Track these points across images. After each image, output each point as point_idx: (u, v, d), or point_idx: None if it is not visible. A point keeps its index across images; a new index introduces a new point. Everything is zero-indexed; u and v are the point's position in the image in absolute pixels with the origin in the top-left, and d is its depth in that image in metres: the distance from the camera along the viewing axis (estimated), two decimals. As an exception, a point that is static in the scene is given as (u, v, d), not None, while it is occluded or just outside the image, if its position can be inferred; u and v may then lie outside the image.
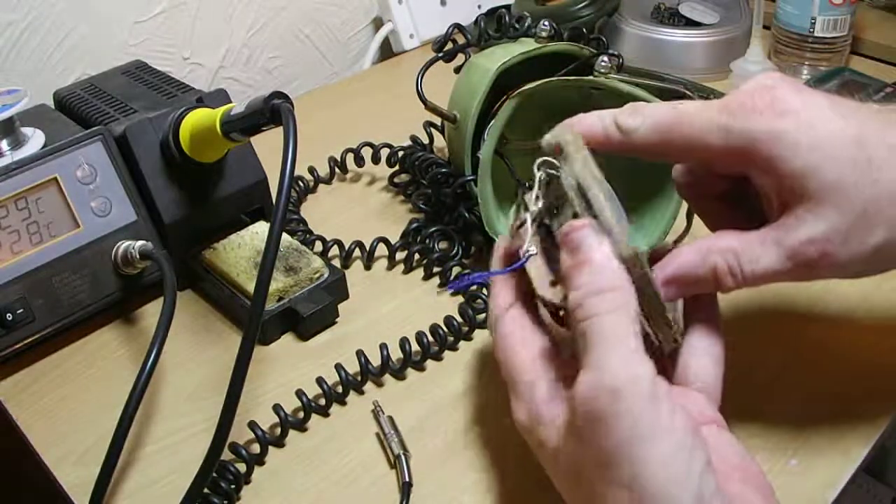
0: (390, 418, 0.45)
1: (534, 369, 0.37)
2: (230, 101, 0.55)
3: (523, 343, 0.38)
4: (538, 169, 0.38)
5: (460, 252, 0.57)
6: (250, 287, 0.52)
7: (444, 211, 0.60)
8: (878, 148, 0.35)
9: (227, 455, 0.42)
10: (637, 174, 0.58)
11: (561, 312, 0.37)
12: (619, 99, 0.53)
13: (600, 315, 0.32)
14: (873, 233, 0.34)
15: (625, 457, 0.30)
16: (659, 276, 0.38)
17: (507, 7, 0.63)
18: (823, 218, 0.34)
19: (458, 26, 0.60)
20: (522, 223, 0.39)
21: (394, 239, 0.58)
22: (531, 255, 0.38)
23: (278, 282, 0.52)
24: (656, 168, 0.55)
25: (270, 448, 0.45)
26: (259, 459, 0.44)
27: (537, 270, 0.37)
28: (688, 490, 0.29)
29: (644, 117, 0.39)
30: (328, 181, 0.69)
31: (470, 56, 0.61)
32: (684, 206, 0.54)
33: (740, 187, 0.40)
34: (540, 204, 0.38)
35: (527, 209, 0.38)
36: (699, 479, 0.30)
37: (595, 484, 0.31)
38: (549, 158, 0.38)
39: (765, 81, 0.36)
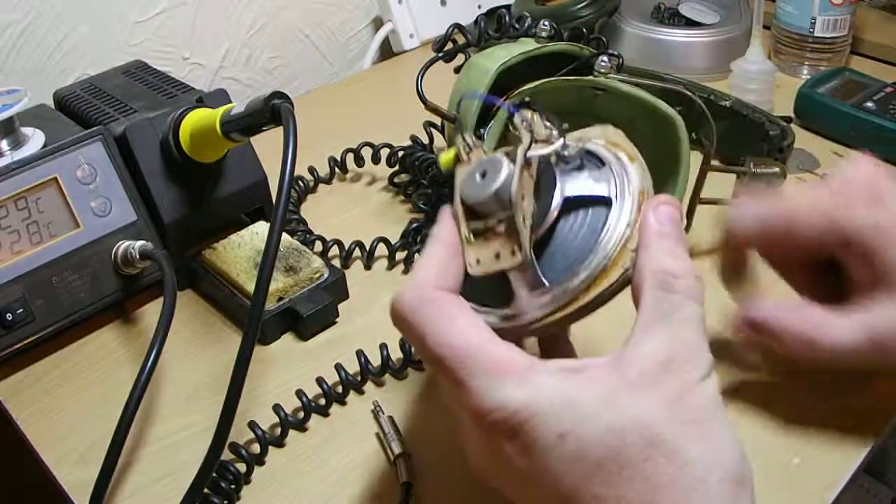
0: (390, 418, 0.45)
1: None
2: (230, 101, 0.55)
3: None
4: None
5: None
6: (250, 287, 0.52)
7: (444, 211, 0.60)
8: None
9: (227, 455, 0.42)
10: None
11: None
12: (623, 101, 0.53)
13: None
14: None
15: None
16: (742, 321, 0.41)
17: (507, 7, 0.63)
18: None
19: (458, 26, 0.60)
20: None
21: (394, 239, 0.58)
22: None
23: (278, 282, 0.52)
24: (657, 168, 0.55)
25: (270, 448, 0.45)
26: (259, 459, 0.44)
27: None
28: None
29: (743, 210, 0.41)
30: (328, 181, 0.69)
31: (470, 56, 0.61)
32: (684, 206, 0.54)
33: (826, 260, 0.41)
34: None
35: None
36: None
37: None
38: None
39: (865, 170, 0.39)
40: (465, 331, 0.32)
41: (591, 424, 0.29)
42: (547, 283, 0.34)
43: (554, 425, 0.29)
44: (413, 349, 0.48)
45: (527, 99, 0.39)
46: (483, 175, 0.34)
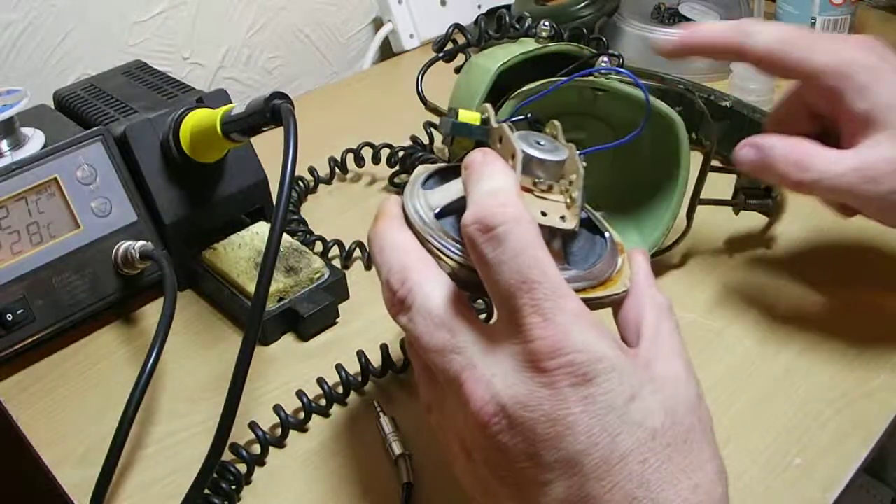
0: (391, 419, 0.45)
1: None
2: (230, 101, 0.55)
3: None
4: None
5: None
6: (250, 287, 0.52)
7: (445, 211, 0.60)
8: None
9: (227, 455, 0.42)
10: (638, 174, 0.58)
11: None
12: (623, 101, 0.53)
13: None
14: None
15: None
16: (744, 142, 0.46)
17: (507, 7, 0.63)
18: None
19: (458, 26, 0.60)
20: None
21: (394, 239, 0.58)
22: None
23: (279, 282, 0.52)
24: (657, 168, 0.55)
25: (271, 448, 0.45)
26: (259, 460, 0.44)
27: None
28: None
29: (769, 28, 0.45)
30: (328, 181, 0.69)
31: (470, 56, 0.61)
32: (684, 206, 0.54)
33: (822, 133, 0.45)
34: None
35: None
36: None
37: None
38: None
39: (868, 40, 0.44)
40: (555, 268, 0.31)
41: (655, 396, 0.31)
42: (568, 265, 0.36)
43: (627, 387, 0.30)
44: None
45: (528, 115, 0.40)
46: (538, 143, 0.36)
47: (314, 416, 0.47)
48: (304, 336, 0.52)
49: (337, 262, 0.59)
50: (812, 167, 0.43)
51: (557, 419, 0.29)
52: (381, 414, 0.46)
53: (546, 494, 0.30)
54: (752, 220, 0.59)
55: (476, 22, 0.62)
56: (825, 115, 0.46)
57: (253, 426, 0.44)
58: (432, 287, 0.33)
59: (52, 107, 0.62)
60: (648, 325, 0.34)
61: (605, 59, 0.53)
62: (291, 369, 0.50)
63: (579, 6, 0.80)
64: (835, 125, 0.45)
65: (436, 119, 0.64)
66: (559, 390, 0.29)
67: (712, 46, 0.47)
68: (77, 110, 0.59)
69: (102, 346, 0.53)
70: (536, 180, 0.35)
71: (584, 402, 0.29)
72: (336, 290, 0.54)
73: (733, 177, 0.57)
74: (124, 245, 0.52)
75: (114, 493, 0.43)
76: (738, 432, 0.44)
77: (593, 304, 0.34)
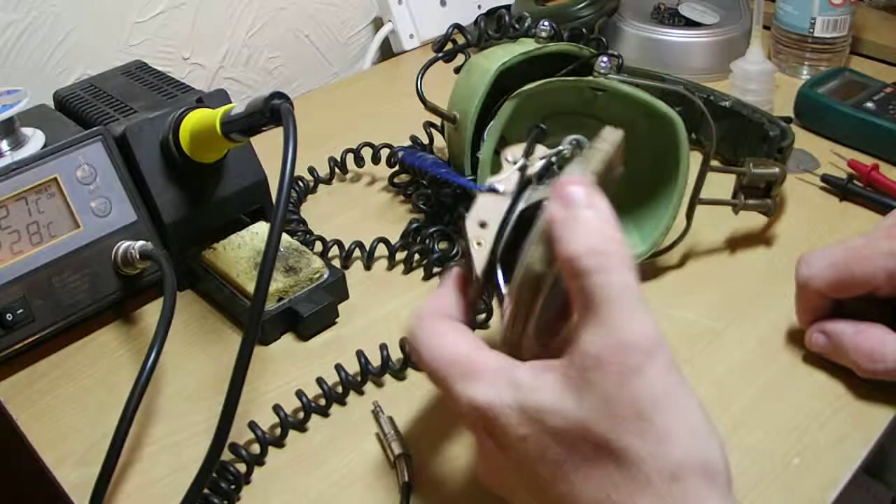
0: (390, 418, 0.45)
1: (478, 357, 0.34)
2: (230, 102, 0.55)
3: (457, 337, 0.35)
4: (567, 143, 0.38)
5: (460, 252, 0.57)
6: (250, 287, 0.52)
7: (444, 211, 0.60)
8: None
9: (227, 455, 0.42)
10: (638, 174, 0.58)
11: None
12: (622, 101, 0.53)
13: (610, 272, 0.30)
14: None
15: (658, 409, 0.29)
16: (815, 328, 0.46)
17: (507, 7, 0.63)
18: None
19: (458, 26, 0.60)
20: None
21: (394, 239, 0.58)
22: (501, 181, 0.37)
23: (278, 282, 0.52)
24: (657, 168, 0.55)
25: (270, 448, 0.45)
26: (259, 460, 0.44)
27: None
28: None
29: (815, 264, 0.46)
30: (328, 181, 0.69)
31: (470, 56, 0.61)
32: (684, 206, 0.54)
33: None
34: (539, 165, 0.37)
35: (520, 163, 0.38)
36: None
37: (608, 438, 0.29)
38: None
39: None
40: (454, 344, 0.34)
41: (544, 428, 0.30)
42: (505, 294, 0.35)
43: (515, 427, 0.31)
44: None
45: (542, 125, 0.40)
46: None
47: (313, 415, 0.47)
48: (304, 336, 0.52)
49: (336, 262, 0.59)
50: (885, 357, 0.43)
51: (501, 470, 0.34)
52: (380, 414, 0.46)
53: None
54: (752, 220, 0.59)
55: (476, 22, 0.62)
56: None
57: (252, 426, 0.44)
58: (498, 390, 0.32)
59: (52, 107, 0.62)
60: (575, 305, 0.32)
61: (605, 59, 0.53)
62: (291, 369, 0.50)
63: (579, 6, 0.80)
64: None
65: (436, 119, 0.64)
66: (485, 444, 0.35)
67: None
68: (77, 110, 0.59)
69: (102, 346, 0.53)
70: None
71: (500, 448, 0.33)
72: (336, 289, 0.54)
73: (733, 177, 0.57)
74: (124, 245, 0.52)
75: (113, 492, 0.43)
76: (738, 432, 0.44)
77: (517, 319, 0.35)
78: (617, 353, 0.29)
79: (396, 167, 0.67)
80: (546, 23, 0.56)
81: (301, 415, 0.46)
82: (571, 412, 0.30)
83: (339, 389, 0.47)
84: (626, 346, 0.29)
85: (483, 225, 0.36)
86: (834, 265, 0.44)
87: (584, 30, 0.58)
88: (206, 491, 0.41)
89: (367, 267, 0.59)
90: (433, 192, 0.61)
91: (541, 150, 0.38)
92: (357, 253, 0.59)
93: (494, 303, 0.52)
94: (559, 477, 0.30)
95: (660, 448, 0.29)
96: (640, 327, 0.30)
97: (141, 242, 0.52)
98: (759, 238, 0.59)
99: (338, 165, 0.69)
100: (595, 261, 0.30)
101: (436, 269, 0.57)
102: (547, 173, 0.38)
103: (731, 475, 0.30)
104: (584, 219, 0.31)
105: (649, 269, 0.56)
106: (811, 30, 0.77)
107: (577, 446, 0.30)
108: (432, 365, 0.34)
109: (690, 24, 0.84)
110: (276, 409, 0.45)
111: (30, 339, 0.50)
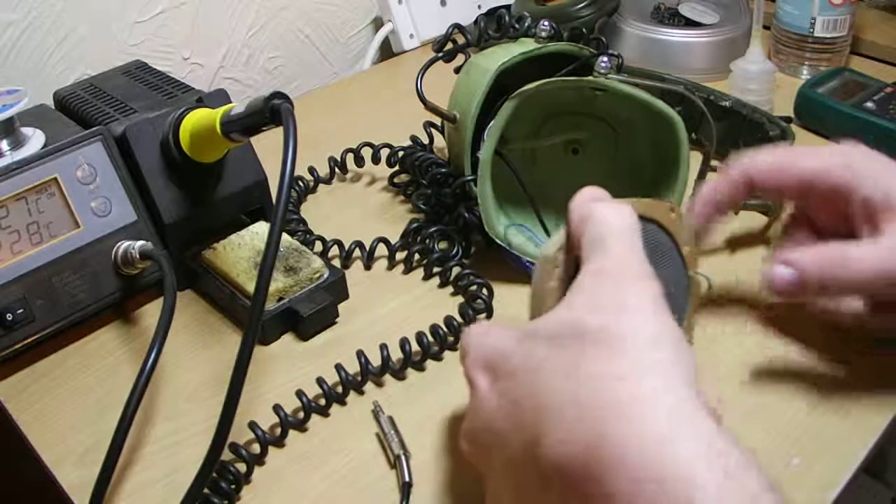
0: (390, 418, 0.45)
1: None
2: (230, 101, 0.55)
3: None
4: None
5: (460, 252, 0.57)
6: (250, 287, 0.52)
7: (444, 211, 0.60)
8: None
9: (227, 455, 0.42)
10: (638, 174, 0.58)
11: None
12: (622, 100, 0.53)
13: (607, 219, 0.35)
14: None
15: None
16: (777, 261, 0.43)
17: (507, 7, 0.63)
18: None
19: (458, 26, 0.60)
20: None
21: (394, 239, 0.58)
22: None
23: (278, 282, 0.52)
24: (657, 168, 0.55)
25: (270, 448, 0.45)
26: (259, 459, 0.44)
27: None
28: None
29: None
30: (328, 181, 0.69)
31: (470, 56, 0.61)
32: (683, 206, 0.54)
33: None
34: None
35: None
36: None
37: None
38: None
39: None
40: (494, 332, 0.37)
41: (536, 336, 0.33)
42: None
43: (513, 349, 0.34)
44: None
45: None
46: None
47: (313, 415, 0.47)
48: (304, 336, 0.52)
49: (336, 262, 0.59)
50: (848, 264, 0.41)
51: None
52: (380, 414, 0.46)
53: None
54: (752, 220, 0.59)
55: (476, 22, 0.62)
56: (827, 226, 0.46)
57: (252, 426, 0.44)
58: None
59: (52, 107, 0.62)
60: None
61: (605, 58, 0.53)
62: (291, 369, 0.50)
63: (579, 6, 0.80)
64: (841, 229, 0.45)
65: (436, 119, 0.63)
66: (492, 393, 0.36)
67: (723, 202, 0.48)
68: (77, 110, 0.59)
69: (102, 346, 0.53)
70: None
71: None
72: (336, 289, 0.54)
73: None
74: (124, 245, 0.52)
75: (113, 492, 0.43)
76: (737, 432, 0.44)
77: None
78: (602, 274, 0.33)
79: (396, 167, 0.67)
80: (546, 23, 0.56)
81: (301, 415, 0.46)
82: (561, 315, 0.33)
83: (339, 389, 0.47)
84: (625, 270, 0.34)
85: None
86: (776, 153, 0.46)
87: (584, 30, 0.58)
88: (206, 491, 0.41)
89: (367, 267, 0.59)
90: (433, 192, 0.61)
91: None
92: (357, 253, 0.59)
93: (495, 302, 0.52)
94: (540, 376, 0.32)
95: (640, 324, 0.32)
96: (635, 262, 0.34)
97: (141, 242, 0.52)
98: (759, 238, 0.59)
99: (338, 165, 0.69)
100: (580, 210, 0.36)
101: (436, 269, 0.57)
102: None
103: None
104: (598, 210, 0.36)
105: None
106: (811, 30, 0.77)
107: (562, 339, 0.32)
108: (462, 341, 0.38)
109: (690, 24, 0.84)
110: (276, 409, 0.45)
111: (30, 339, 0.50)
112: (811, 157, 0.45)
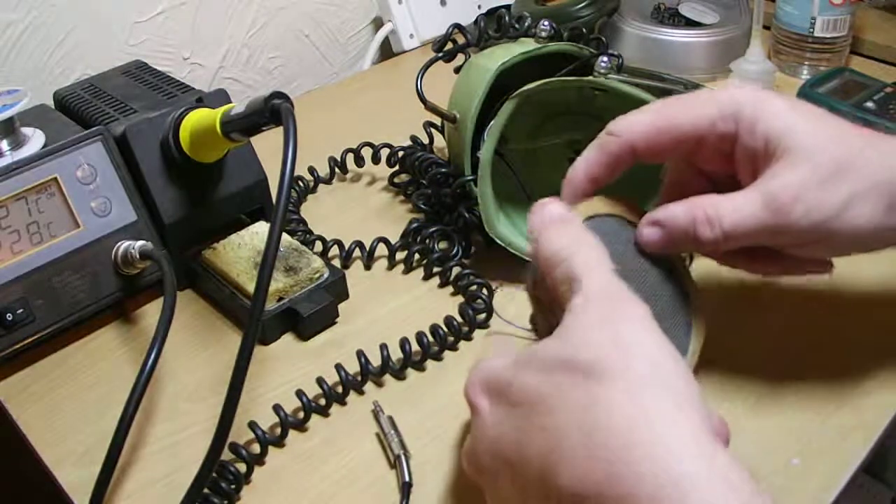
0: (390, 418, 0.45)
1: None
2: (230, 101, 0.55)
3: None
4: None
5: (460, 252, 0.57)
6: (250, 287, 0.52)
7: (444, 211, 0.60)
8: (848, 127, 0.40)
9: (227, 455, 0.42)
10: (638, 174, 0.58)
11: None
12: (622, 100, 0.53)
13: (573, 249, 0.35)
14: (839, 189, 0.38)
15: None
16: (644, 222, 0.41)
17: (507, 7, 0.63)
18: (799, 168, 0.38)
19: (458, 26, 0.60)
20: None
21: (394, 239, 0.58)
22: None
23: (278, 282, 0.52)
24: (657, 168, 0.55)
25: (270, 448, 0.45)
26: (259, 459, 0.44)
27: None
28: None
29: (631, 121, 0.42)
30: (328, 181, 0.69)
31: (470, 56, 0.61)
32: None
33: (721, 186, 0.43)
34: None
35: None
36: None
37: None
38: None
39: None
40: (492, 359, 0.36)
41: (531, 366, 0.33)
42: None
43: (509, 376, 0.34)
44: None
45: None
46: None
47: (313, 415, 0.47)
48: (304, 336, 0.52)
49: (336, 262, 0.59)
50: (721, 218, 0.39)
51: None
52: (380, 414, 0.46)
53: None
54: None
55: (476, 22, 0.62)
56: (716, 174, 0.43)
57: (252, 426, 0.44)
58: None
59: (52, 107, 0.62)
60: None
61: (605, 59, 0.53)
62: (291, 369, 0.50)
63: (579, 6, 0.80)
64: (730, 180, 0.42)
65: (436, 119, 0.64)
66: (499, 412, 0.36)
67: (600, 179, 0.43)
68: (77, 110, 0.59)
69: (102, 346, 0.53)
70: None
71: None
72: (336, 289, 0.54)
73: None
74: (124, 245, 0.52)
75: (113, 492, 0.43)
76: (737, 432, 0.44)
77: None
78: (595, 304, 0.33)
79: (396, 167, 0.67)
80: (546, 23, 0.56)
81: (301, 415, 0.46)
82: (553, 349, 0.32)
83: (339, 389, 0.47)
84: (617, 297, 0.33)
85: None
86: (653, 111, 0.41)
87: (584, 30, 0.58)
88: (206, 491, 0.41)
89: (367, 267, 0.59)
90: (433, 192, 0.61)
91: None
92: (357, 253, 0.59)
93: (495, 303, 0.52)
94: (540, 409, 0.32)
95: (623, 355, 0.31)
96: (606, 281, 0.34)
97: (141, 242, 0.52)
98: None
99: (338, 165, 0.69)
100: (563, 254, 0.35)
101: (436, 269, 0.57)
102: None
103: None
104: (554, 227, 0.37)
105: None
106: (811, 30, 0.77)
107: (557, 376, 0.31)
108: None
109: (690, 23, 0.84)
110: (276, 408, 0.45)
111: (30, 339, 0.50)
112: (691, 112, 0.40)
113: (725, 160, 0.41)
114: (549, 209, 0.38)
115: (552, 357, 0.32)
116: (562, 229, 0.37)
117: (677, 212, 0.40)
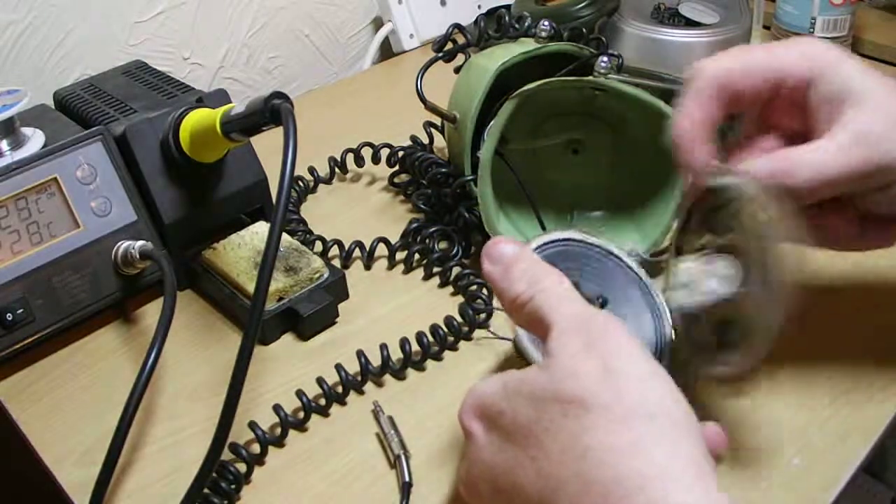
0: (390, 418, 0.45)
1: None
2: (230, 101, 0.55)
3: None
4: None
5: (460, 252, 0.57)
6: (250, 287, 0.52)
7: (444, 211, 0.60)
8: None
9: (227, 455, 0.42)
10: (638, 174, 0.58)
11: None
12: (622, 100, 0.53)
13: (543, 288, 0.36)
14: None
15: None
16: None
17: (507, 7, 0.63)
18: (878, 112, 0.39)
19: (458, 26, 0.60)
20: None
21: (394, 239, 0.58)
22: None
23: (278, 282, 0.52)
24: (657, 168, 0.55)
25: (270, 448, 0.45)
26: (259, 459, 0.44)
27: None
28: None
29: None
30: (328, 181, 0.69)
31: (470, 56, 0.61)
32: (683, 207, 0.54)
33: None
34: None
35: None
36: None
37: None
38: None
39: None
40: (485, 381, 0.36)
41: (520, 393, 0.33)
42: None
43: (500, 400, 0.34)
44: None
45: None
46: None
47: (313, 415, 0.47)
48: (304, 336, 0.52)
49: (337, 262, 0.59)
50: (800, 167, 0.39)
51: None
52: (380, 414, 0.46)
53: None
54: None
55: (476, 22, 0.62)
56: (787, 131, 0.43)
57: (252, 426, 0.44)
58: None
59: (52, 107, 0.62)
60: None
61: (605, 59, 0.53)
62: (291, 369, 0.50)
63: (579, 6, 0.80)
64: (799, 140, 0.42)
65: (436, 119, 0.64)
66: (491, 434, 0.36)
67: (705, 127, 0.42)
68: (77, 110, 0.59)
69: (102, 346, 0.53)
70: None
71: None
72: (336, 289, 0.54)
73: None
74: (124, 245, 0.52)
75: (113, 492, 0.43)
76: (737, 432, 0.44)
77: None
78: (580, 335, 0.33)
79: (396, 167, 0.67)
80: (546, 23, 0.56)
81: (301, 415, 0.46)
82: (542, 381, 0.33)
83: (339, 389, 0.47)
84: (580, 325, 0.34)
85: None
86: (733, 55, 0.42)
87: (584, 30, 0.58)
88: (206, 491, 0.41)
89: (367, 267, 0.59)
90: (433, 192, 0.61)
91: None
92: (357, 253, 0.59)
93: (495, 302, 0.52)
94: (532, 441, 0.32)
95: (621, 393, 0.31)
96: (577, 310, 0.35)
97: (141, 242, 0.52)
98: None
99: (338, 165, 0.69)
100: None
101: (436, 269, 0.57)
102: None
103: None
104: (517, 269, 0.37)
105: (649, 269, 0.55)
106: (811, 30, 0.77)
107: (548, 407, 0.32)
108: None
109: (690, 23, 0.84)
110: (276, 408, 0.45)
111: (30, 339, 0.50)
112: (773, 56, 0.41)
113: (798, 113, 0.42)
114: (497, 251, 0.38)
115: (540, 388, 0.32)
116: (515, 271, 0.37)
117: (757, 164, 0.40)
